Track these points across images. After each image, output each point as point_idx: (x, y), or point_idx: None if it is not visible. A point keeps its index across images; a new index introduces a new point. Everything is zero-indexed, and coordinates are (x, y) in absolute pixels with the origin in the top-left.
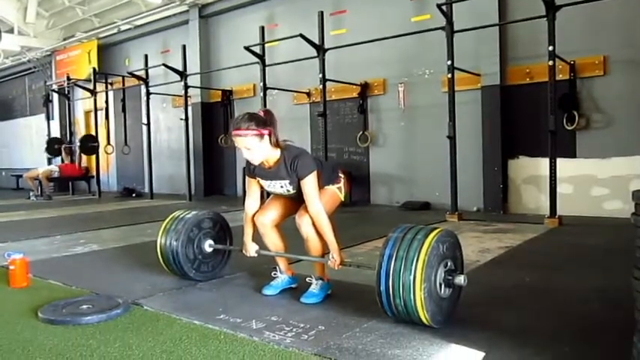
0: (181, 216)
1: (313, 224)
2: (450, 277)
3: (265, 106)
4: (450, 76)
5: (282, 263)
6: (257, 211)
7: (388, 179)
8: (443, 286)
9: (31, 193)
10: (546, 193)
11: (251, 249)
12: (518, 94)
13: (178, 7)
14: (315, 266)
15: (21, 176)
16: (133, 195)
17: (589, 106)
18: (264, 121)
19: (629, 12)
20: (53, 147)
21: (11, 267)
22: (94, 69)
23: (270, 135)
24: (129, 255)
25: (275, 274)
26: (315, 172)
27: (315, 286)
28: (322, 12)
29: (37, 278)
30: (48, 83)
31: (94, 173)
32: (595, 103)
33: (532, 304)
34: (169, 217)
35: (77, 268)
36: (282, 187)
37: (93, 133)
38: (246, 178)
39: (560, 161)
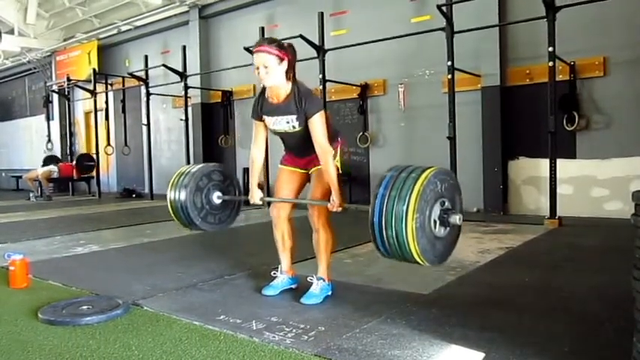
0: (189, 168)
1: (320, 215)
2: (446, 215)
3: None
4: (450, 76)
5: (284, 262)
6: (272, 205)
7: None
8: (438, 223)
9: (31, 194)
10: (546, 194)
11: (256, 196)
12: (518, 95)
13: (178, 7)
14: (317, 265)
15: (21, 177)
16: (133, 196)
17: (589, 107)
18: (285, 48)
19: (629, 13)
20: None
21: (11, 268)
22: (94, 70)
23: (289, 63)
24: (129, 256)
25: (275, 274)
26: (322, 112)
27: (315, 287)
28: (322, 13)
29: (37, 279)
30: (48, 84)
31: (94, 174)
32: (595, 104)
33: (532, 305)
34: (177, 172)
35: (77, 268)
36: (287, 122)
37: (93, 133)
38: (253, 123)
39: (560, 162)
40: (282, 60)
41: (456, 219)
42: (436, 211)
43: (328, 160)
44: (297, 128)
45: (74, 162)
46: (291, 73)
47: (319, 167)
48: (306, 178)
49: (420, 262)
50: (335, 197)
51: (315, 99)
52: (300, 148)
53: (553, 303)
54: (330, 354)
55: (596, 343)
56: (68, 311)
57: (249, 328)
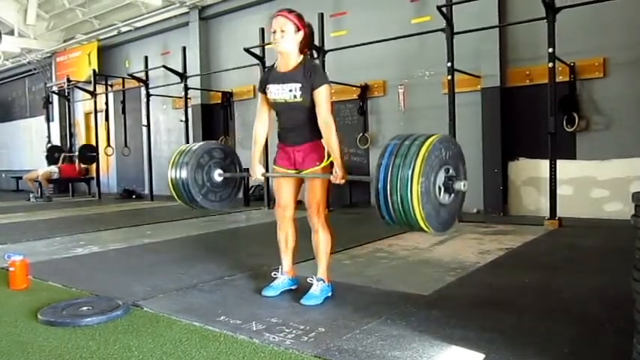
0: (190, 146)
1: (320, 217)
2: (451, 182)
3: None
4: (450, 77)
5: (286, 263)
6: (276, 205)
7: None
8: (442, 190)
9: (31, 195)
10: (546, 195)
11: (257, 171)
12: (518, 96)
13: (178, 8)
14: (317, 266)
15: (21, 178)
16: (133, 197)
17: (589, 108)
18: (304, 21)
19: (629, 14)
20: (53, 155)
21: (11, 268)
22: (94, 71)
23: (304, 37)
24: (129, 256)
25: (275, 274)
26: (329, 86)
27: (315, 288)
28: (322, 14)
29: (36, 280)
30: (48, 85)
31: (94, 175)
32: (595, 105)
33: (532, 306)
34: (178, 150)
35: (77, 269)
36: (290, 90)
37: (93, 134)
38: (259, 96)
39: (560, 163)
40: (298, 29)
41: (460, 185)
42: (441, 177)
43: (331, 132)
44: (299, 99)
45: (76, 153)
46: (305, 48)
47: (310, 169)
48: (301, 180)
49: (425, 227)
50: (338, 169)
51: (324, 73)
52: (295, 127)
53: (553, 304)
54: (330, 355)
55: (596, 344)
56: (68, 312)
57: (249, 329)
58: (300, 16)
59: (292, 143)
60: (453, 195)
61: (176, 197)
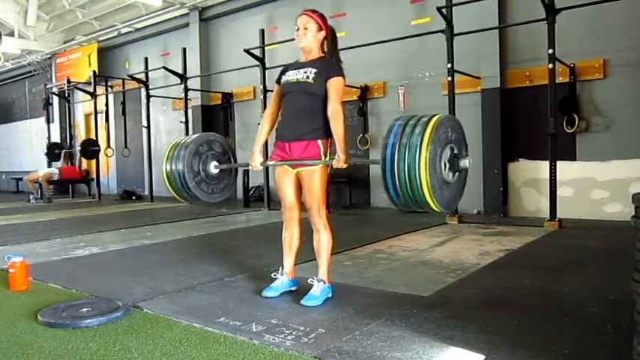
0: (191, 135)
1: (321, 218)
2: (456, 159)
3: (264, 109)
4: (450, 78)
5: (287, 264)
6: (283, 207)
7: None
8: (447, 167)
9: (31, 196)
10: (546, 196)
11: (257, 160)
12: (518, 97)
13: (178, 10)
14: (318, 267)
15: (21, 179)
16: (133, 198)
17: (589, 109)
18: (327, 23)
19: (629, 15)
20: (53, 152)
21: (11, 270)
22: (94, 72)
23: (326, 36)
24: (129, 258)
25: (275, 275)
26: (343, 79)
27: (315, 289)
28: None
29: (36, 281)
30: (48, 86)
31: (94, 176)
32: (595, 106)
33: (532, 307)
34: (172, 143)
35: (77, 271)
36: (305, 72)
37: (93, 136)
38: (275, 87)
39: (560, 164)
40: (321, 29)
41: (465, 162)
42: (447, 153)
43: (340, 120)
44: (310, 80)
45: (79, 148)
46: (326, 48)
47: (305, 169)
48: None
49: (430, 200)
50: (341, 153)
51: (341, 68)
52: (296, 116)
53: (553, 305)
54: (330, 356)
55: (596, 345)
56: (68, 314)
57: (249, 330)
58: (323, 17)
59: (289, 138)
60: (457, 175)
61: (167, 183)
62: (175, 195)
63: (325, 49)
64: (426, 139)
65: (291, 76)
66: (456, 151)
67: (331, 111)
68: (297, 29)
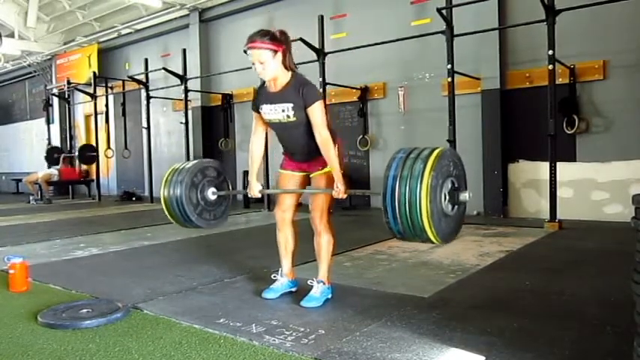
0: (184, 165)
1: (323, 219)
2: (456, 192)
3: None
4: (450, 79)
5: (285, 265)
6: (276, 207)
7: None
8: (447, 199)
9: (31, 197)
10: (546, 197)
11: (255, 189)
12: (518, 98)
13: (178, 11)
14: (318, 268)
15: (21, 180)
16: (133, 199)
17: (589, 110)
18: (278, 39)
19: (628, 16)
20: (53, 156)
21: (11, 271)
22: (95, 73)
23: (283, 53)
24: (129, 259)
25: (275, 276)
26: (322, 101)
27: (315, 290)
28: (322, 16)
29: (36, 282)
30: (48, 87)
31: (94, 177)
32: (595, 107)
33: (532, 308)
34: (170, 169)
35: (77, 272)
36: (283, 110)
37: (93, 137)
38: (253, 114)
39: (560, 165)
40: (276, 52)
41: (465, 195)
42: (447, 185)
43: (329, 148)
44: (292, 119)
45: (76, 153)
46: (288, 60)
47: (319, 172)
48: (307, 181)
49: (428, 227)
50: (339, 184)
51: (314, 88)
52: (297, 146)
53: (553, 306)
54: (330, 357)
55: (596, 346)
56: (68, 315)
57: (249, 332)
58: (271, 36)
59: (296, 159)
60: (456, 208)
61: (169, 217)
62: (176, 224)
63: (288, 64)
64: (429, 167)
65: (271, 115)
66: (456, 185)
67: (319, 140)
68: (253, 64)
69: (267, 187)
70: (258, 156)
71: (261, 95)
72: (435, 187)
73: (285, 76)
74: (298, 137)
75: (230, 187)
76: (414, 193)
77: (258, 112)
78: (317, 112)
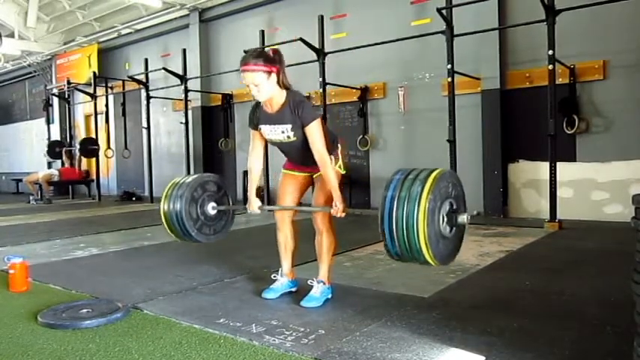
0: (184, 179)
1: (325, 219)
2: (454, 214)
3: None
4: (450, 79)
5: (285, 265)
6: (277, 205)
7: None
8: (445, 221)
9: (31, 197)
10: (546, 197)
11: (254, 205)
12: (518, 98)
13: (178, 11)
14: (318, 268)
15: (21, 180)
16: (133, 199)
17: (589, 110)
18: (272, 59)
19: (628, 16)
20: (54, 150)
21: (11, 271)
22: (95, 73)
23: (277, 73)
24: (129, 259)
25: (275, 277)
26: (319, 120)
27: (315, 290)
28: (322, 16)
29: (36, 282)
30: (48, 87)
31: (94, 177)
32: (595, 107)
33: (532, 308)
34: (170, 184)
35: (77, 272)
36: (283, 132)
37: (93, 136)
38: (250, 132)
39: (560, 165)
40: (270, 73)
41: (463, 218)
42: (445, 207)
43: (327, 167)
44: (292, 138)
45: (78, 147)
46: (282, 79)
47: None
48: (310, 182)
49: (425, 249)
50: (337, 203)
51: (311, 107)
52: (300, 158)
53: (553, 306)
54: (330, 357)
55: (597, 346)
56: (68, 315)
57: (249, 332)
58: (266, 58)
59: (302, 165)
60: (454, 230)
61: (169, 231)
62: (176, 238)
63: (282, 83)
64: (426, 189)
65: (271, 135)
66: (454, 207)
67: (317, 158)
68: (247, 86)
69: (267, 186)
70: (257, 173)
71: (259, 115)
72: (432, 209)
73: (280, 96)
74: (300, 151)
75: (230, 202)
76: (412, 215)
77: (257, 130)
78: (314, 132)
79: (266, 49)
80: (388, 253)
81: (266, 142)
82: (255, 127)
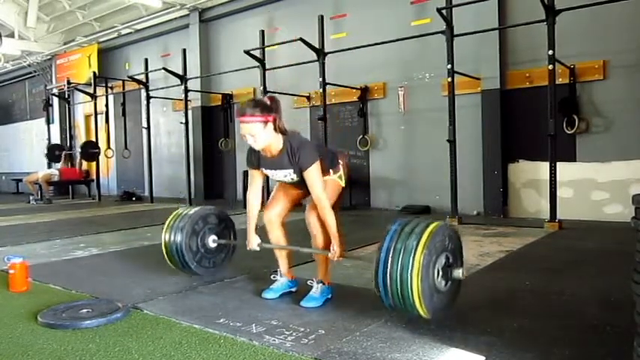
0: (186, 210)
1: (319, 218)
2: (449, 269)
3: None
4: (450, 79)
5: (282, 266)
6: (265, 207)
7: (388, 183)
8: (440, 275)
9: (31, 197)
10: (546, 197)
11: (253, 242)
12: (518, 98)
13: (178, 11)
14: (317, 268)
15: (21, 180)
16: (133, 199)
17: (589, 110)
18: (269, 108)
19: (628, 16)
20: (54, 153)
21: (11, 271)
22: (95, 73)
23: (274, 122)
24: (129, 259)
25: (275, 277)
26: (317, 163)
27: (315, 290)
28: (322, 16)
29: (36, 282)
30: (48, 87)
31: (94, 177)
32: (595, 107)
33: (532, 308)
34: (173, 214)
35: (77, 272)
36: (285, 175)
37: (93, 137)
38: (249, 170)
39: (560, 165)
40: (266, 123)
41: (459, 272)
42: (441, 261)
43: (327, 211)
44: (297, 179)
45: (79, 150)
46: (279, 125)
47: (326, 178)
48: (306, 193)
49: (419, 304)
50: (335, 246)
51: (308, 151)
52: (305, 188)
53: (553, 306)
54: (330, 357)
55: (597, 346)
56: (68, 315)
57: (249, 332)
58: (262, 107)
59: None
60: (449, 284)
61: (168, 261)
62: (175, 268)
63: (280, 128)
64: (422, 244)
65: (275, 177)
66: (450, 260)
67: (315, 200)
68: (244, 136)
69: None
70: (255, 210)
71: (258, 157)
72: (427, 264)
73: (277, 142)
74: (305, 186)
75: (233, 234)
76: (406, 269)
77: (255, 169)
78: (313, 176)
79: (263, 98)
80: (382, 304)
81: (265, 177)
82: (254, 167)
